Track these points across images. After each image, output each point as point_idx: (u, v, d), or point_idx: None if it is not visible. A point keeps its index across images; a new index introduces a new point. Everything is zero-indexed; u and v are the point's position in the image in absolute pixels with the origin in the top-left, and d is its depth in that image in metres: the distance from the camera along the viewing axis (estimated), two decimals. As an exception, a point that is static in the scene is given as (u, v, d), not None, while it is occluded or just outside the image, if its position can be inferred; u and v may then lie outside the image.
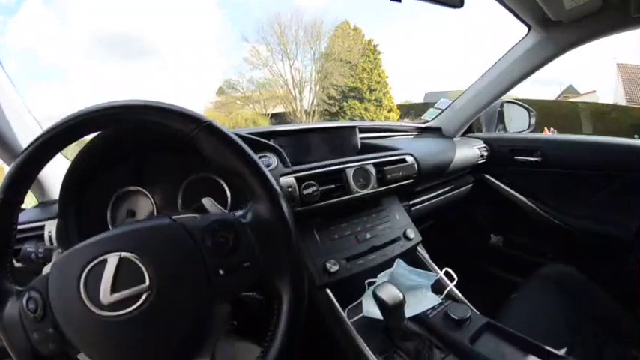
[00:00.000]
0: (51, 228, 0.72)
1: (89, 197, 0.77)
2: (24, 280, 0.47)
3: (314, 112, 16.01)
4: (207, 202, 0.56)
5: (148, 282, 0.41)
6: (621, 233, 1.30)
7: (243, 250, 0.46)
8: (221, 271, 0.44)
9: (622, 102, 12.47)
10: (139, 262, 0.42)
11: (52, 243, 0.72)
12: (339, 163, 0.97)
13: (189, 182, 0.84)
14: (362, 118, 15.46)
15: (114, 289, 0.41)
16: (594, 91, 14.28)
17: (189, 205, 0.81)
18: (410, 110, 16.84)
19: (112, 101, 0.47)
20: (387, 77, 16.53)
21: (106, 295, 0.40)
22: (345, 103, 15.90)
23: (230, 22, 27.72)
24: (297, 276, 0.48)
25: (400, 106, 16.92)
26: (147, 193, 0.82)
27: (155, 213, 0.81)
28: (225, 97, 16.49)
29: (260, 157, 0.68)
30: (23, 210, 0.83)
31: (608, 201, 1.35)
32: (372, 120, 15.32)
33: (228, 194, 0.85)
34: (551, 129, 7.35)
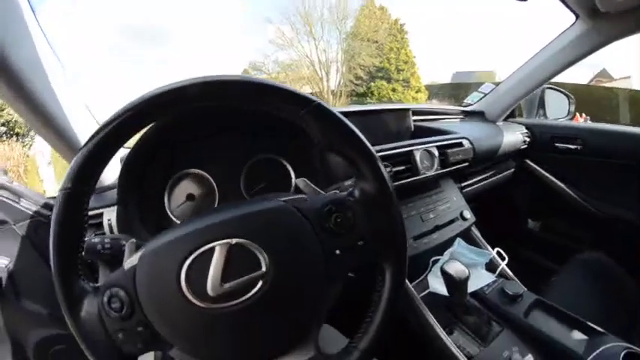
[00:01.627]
0: (110, 216, 0.70)
1: (148, 183, 0.76)
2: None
3: (341, 92, 15.71)
4: (301, 182, 0.53)
5: (264, 268, 0.40)
6: None
7: (358, 229, 0.45)
8: (337, 251, 0.44)
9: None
10: (253, 248, 0.40)
11: (111, 231, 0.70)
12: (407, 145, 1.00)
13: (251, 164, 0.83)
14: (390, 99, 15.04)
15: (224, 279, 0.39)
16: (629, 77, 13.23)
17: (251, 187, 0.82)
18: (438, 91, 16.38)
19: (207, 76, 0.41)
20: (414, 57, 16.00)
21: (214, 286, 0.38)
22: (372, 84, 15.50)
23: (251, 3, 27.30)
24: (402, 251, 0.48)
25: (428, 87, 16.44)
26: (207, 176, 0.80)
27: (217, 195, 0.80)
28: (251, 80, 16.30)
29: None
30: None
31: None
32: (400, 101, 15.02)
33: (293, 175, 0.84)
34: (584, 115, 7.00)
